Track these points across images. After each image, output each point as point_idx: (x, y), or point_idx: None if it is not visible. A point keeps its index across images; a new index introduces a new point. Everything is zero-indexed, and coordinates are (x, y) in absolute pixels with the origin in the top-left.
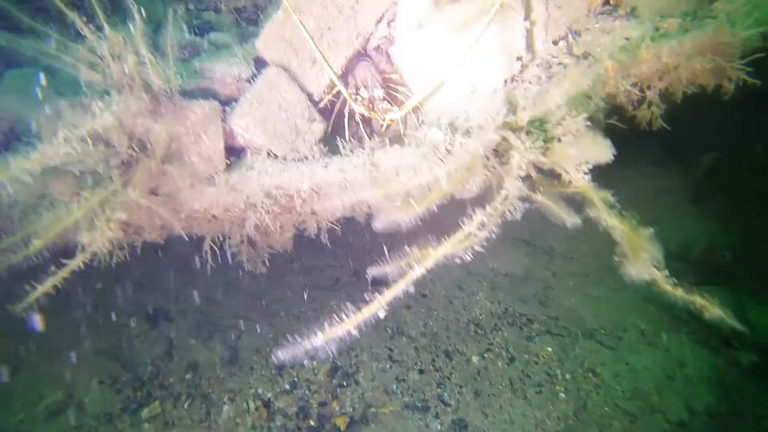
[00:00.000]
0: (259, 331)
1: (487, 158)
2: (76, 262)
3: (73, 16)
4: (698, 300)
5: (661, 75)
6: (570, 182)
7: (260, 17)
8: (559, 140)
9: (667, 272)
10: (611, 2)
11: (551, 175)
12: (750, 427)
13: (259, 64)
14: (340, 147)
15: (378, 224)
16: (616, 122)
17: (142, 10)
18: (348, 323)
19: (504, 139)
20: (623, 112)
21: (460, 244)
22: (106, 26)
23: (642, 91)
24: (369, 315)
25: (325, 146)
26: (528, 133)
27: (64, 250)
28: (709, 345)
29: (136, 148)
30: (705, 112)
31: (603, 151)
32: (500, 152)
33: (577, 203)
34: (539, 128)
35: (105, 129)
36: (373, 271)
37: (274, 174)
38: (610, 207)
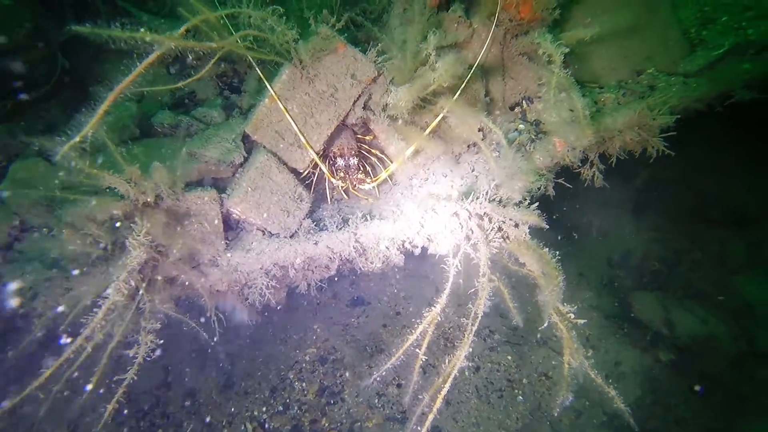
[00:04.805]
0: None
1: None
2: (129, 377)
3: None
4: None
5: (599, 145)
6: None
7: (241, 85)
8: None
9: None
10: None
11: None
12: (665, 412)
13: (248, 138)
14: (327, 223)
15: None
16: (564, 182)
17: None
18: None
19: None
20: (569, 170)
21: None
22: (124, 166)
23: (585, 153)
24: None
25: (311, 212)
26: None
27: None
28: (639, 345)
29: (153, 251)
30: None
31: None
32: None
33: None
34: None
35: (140, 263)
36: None
37: (271, 252)
38: None
